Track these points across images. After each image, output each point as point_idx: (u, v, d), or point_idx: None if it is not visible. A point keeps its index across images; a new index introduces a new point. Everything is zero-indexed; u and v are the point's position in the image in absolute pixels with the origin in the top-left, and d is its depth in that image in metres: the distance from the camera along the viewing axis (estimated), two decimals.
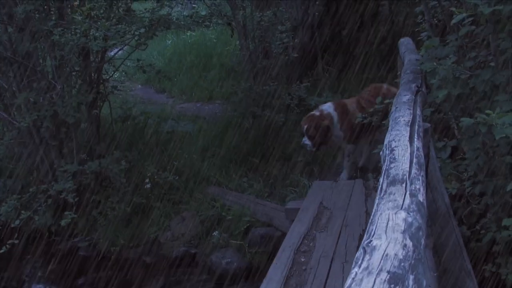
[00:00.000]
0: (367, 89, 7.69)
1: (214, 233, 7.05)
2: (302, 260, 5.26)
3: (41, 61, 7.69)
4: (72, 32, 7.27)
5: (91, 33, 7.28)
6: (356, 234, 5.67)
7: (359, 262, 1.41)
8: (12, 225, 6.87)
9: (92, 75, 8.08)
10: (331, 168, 8.29)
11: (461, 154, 4.93)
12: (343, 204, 6.51)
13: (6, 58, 7.43)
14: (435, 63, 3.97)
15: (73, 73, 8.02)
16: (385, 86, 7.70)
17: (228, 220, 7.21)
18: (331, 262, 5.16)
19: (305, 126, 7.21)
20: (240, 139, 8.72)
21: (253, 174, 8.15)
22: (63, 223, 6.82)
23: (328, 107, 7.37)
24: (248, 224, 7.11)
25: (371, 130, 7.22)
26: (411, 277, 1.35)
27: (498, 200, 4.36)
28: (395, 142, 2.47)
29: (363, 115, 6.50)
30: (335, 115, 7.28)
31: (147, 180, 7.48)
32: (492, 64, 4.07)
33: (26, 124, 7.29)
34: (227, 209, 7.37)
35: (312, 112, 7.40)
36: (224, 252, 6.92)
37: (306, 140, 7.26)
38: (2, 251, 6.55)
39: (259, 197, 7.52)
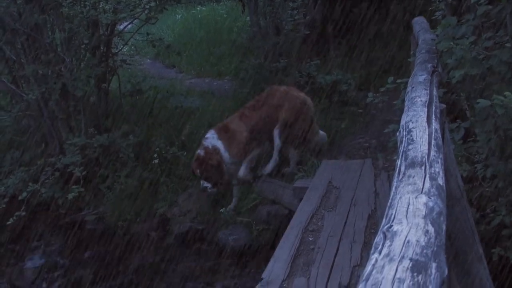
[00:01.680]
0: (259, 94, 7.55)
1: (222, 209, 7.02)
2: (310, 239, 5.24)
3: (49, 33, 7.62)
4: (82, 5, 7.20)
5: (100, 6, 7.21)
6: (364, 214, 5.64)
7: (379, 248, 1.36)
8: (20, 197, 6.87)
9: (101, 48, 8.03)
10: (340, 147, 8.23)
11: (473, 136, 4.87)
12: (352, 183, 6.47)
13: (14, 30, 7.37)
14: (451, 43, 3.88)
15: (82, 46, 7.97)
16: (284, 87, 7.52)
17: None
18: (339, 241, 5.13)
19: (198, 171, 6.84)
20: None
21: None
22: (70, 196, 6.82)
23: (211, 138, 6.91)
24: (255, 202, 7.09)
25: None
26: (434, 265, 1.30)
27: (509, 183, 4.30)
28: (412, 123, 2.40)
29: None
30: (220, 144, 6.89)
31: (155, 155, 7.44)
32: (508, 45, 3.99)
33: (35, 97, 7.27)
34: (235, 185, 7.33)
35: (197, 152, 6.90)
36: (231, 229, 6.90)
37: (204, 183, 6.86)
38: (9, 222, 6.58)
39: (267, 174, 7.48)
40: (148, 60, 12.47)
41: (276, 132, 7.16)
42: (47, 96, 7.53)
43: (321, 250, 4.98)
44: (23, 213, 6.68)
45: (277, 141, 7.20)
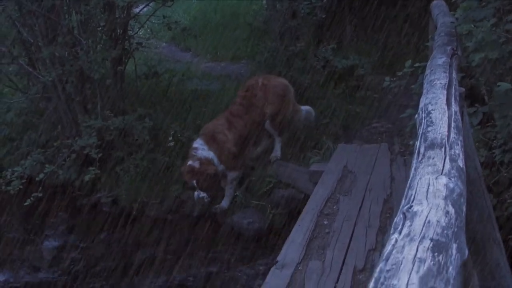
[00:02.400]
0: (239, 95, 7.35)
1: (237, 193, 7.03)
2: (325, 223, 5.24)
3: (66, 15, 7.62)
4: None
5: None
6: (380, 199, 5.64)
7: (399, 228, 1.35)
8: (37, 179, 6.92)
9: (117, 31, 8.02)
10: (356, 132, 8.20)
11: (491, 121, 4.82)
12: (368, 168, 6.46)
13: (31, 12, 7.38)
14: (472, 25, 3.83)
15: (98, 29, 7.96)
16: (260, 80, 7.38)
17: (251, 181, 7.19)
18: (354, 225, 5.14)
19: (194, 181, 6.63)
20: None
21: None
22: (86, 178, 6.87)
23: (202, 149, 6.72)
24: (271, 185, 7.09)
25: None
26: (454, 245, 1.28)
27: None
28: (431, 105, 2.38)
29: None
30: (213, 156, 6.74)
31: (170, 138, 7.46)
32: None
33: (51, 79, 7.29)
34: (250, 169, 7.34)
35: (190, 163, 6.67)
36: (246, 212, 6.92)
37: (201, 194, 6.66)
38: (26, 203, 6.63)
39: (282, 158, 7.47)
40: (164, 44, 12.43)
41: (268, 126, 7.26)
42: (63, 78, 7.55)
43: (336, 234, 4.99)
44: (40, 195, 6.73)
45: (273, 132, 7.32)
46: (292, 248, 4.77)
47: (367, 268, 4.42)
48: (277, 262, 4.59)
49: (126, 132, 7.61)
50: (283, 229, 6.22)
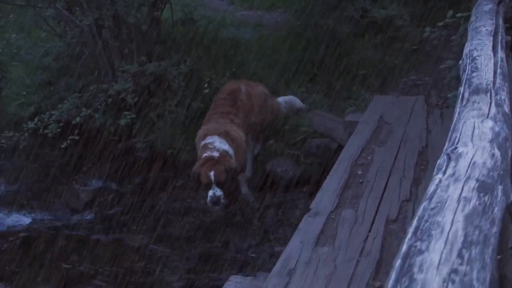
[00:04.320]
0: (220, 98, 6.68)
1: (270, 141, 7.04)
2: (359, 172, 5.23)
3: None
4: None
5: None
6: (415, 151, 5.58)
7: (443, 169, 1.34)
8: (73, 122, 7.01)
9: None
10: (392, 84, 8.09)
11: None
12: (404, 119, 6.39)
13: None
14: None
15: None
16: (243, 87, 6.75)
17: (285, 129, 7.18)
18: (389, 176, 5.11)
19: (212, 174, 5.71)
20: (300, 48, 8.55)
21: (312, 85, 8.03)
22: (122, 122, 6.93)
23: (218, 142, 5.97)
24: (305, 135, 7.07)
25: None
26: (500, 187, 1.27)
27: None
28: (476, 51, 2.32)
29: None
30: (229, 149, 6.00)
31: (205, 85, 7.45)
32: None
33: (88, 23, 7.30)
34: (284, 118, 7.32)
35: (207, 155, 5.84)
36: (279, 160, 6.92)
37: (217, 191, 5.73)
38: (63, 146, 6.75)
39: (317, 108, 7.43)
40: None
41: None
42: (100, 23, 7.55)
43: (370, 184, 4.98)
44: (77, 137, 6.83)
45: (254, 140, 6.93)
46: (325, 196, 4.78)
47: (400, 218, 4.42)
48: (310, 210, 4.61)
49: (162, 78, 7.62)
50: (316, 179, 6.22)
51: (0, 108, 8.81)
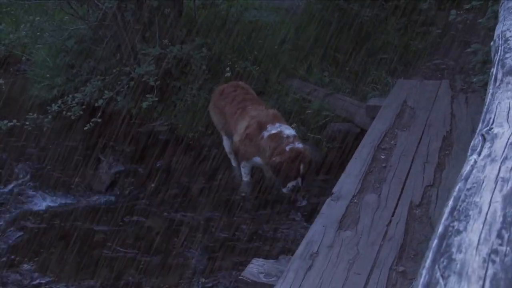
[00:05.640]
0: (238, 91, 6.41)
1: (293, 125, 7.01)
2: (382, 157, 5.20)
3: None
4: None
5: None
6: (439, 135, 5.54)
7: (478, 150, 1.31)
8: (96, 104, 7.05)
9: None
10: (416, 68, 8.01)
11: None
12: (427, 104, 6.34)
13: None
14: None
15: None
16: (240, 83, 6.61)
17: (307, 114, 7.14)
18: (412, 161, 5.08)
19: (302, 167, 5.58)
20: (323, 32, 8.49)
21: (335, 69, 7.97)
22: (144, 105, 6.94)
23: (285, 128, 5.80)
24: (327, 119, 7.04)
25: None
26: None
27: None
28: (510, 31, 2.27)
29: None
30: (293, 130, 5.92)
31: (227, 69, 7.43)
32: None
33: (111, 5, 7.30)
34: (307, 102, 7.28)
35: (293, 147, 5.59)
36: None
37: (299, 181, 5.64)
38: (86, 128, 6.79)
39: (339, 92, 7.38)
40: None
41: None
42: (123, 6, 7.56)
43: (393, 169, 4.95)
44: (99, 120, 6.86)
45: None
46: (348, 181, 4.76)
47: (424, 203, 4.39)
48: (332, 193, 4.60)
49: (184, 61, 7.62)
50: (338, 163, 6.19)
51: (24, 90, 8.88)
